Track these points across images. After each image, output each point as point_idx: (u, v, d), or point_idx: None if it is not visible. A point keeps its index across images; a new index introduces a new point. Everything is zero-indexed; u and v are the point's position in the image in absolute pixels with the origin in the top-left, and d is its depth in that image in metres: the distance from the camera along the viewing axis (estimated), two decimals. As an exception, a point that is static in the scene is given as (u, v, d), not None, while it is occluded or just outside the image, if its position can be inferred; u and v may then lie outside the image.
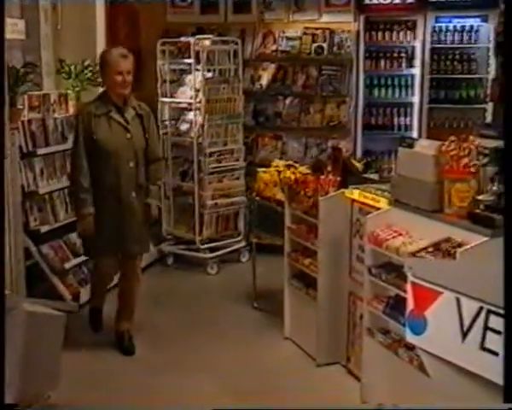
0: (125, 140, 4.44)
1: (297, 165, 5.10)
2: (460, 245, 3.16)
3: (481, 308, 1.90)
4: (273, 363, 4.54)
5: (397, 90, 7.32)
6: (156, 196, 4.84)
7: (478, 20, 7.07)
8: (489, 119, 6.66)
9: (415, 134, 7.15)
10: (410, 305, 2.12)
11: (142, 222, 4.58)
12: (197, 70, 6.32)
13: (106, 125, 4.42)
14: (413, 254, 3.31)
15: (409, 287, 2.12)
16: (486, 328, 1.90)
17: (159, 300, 5.68)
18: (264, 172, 5.24)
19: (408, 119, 7.36)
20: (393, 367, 3.61)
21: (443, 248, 3.23)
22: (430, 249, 3.30)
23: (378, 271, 3.68)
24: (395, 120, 7.38)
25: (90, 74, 6.02)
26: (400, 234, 3.59)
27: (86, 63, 6.05)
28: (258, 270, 5.55)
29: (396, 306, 3.52)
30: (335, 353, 4.42)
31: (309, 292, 4.57)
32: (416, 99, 7.28)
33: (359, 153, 7.14)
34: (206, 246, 6.47)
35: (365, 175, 4.83)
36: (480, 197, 3.28)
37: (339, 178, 4.48)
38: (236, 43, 6.65)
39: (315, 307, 4.45)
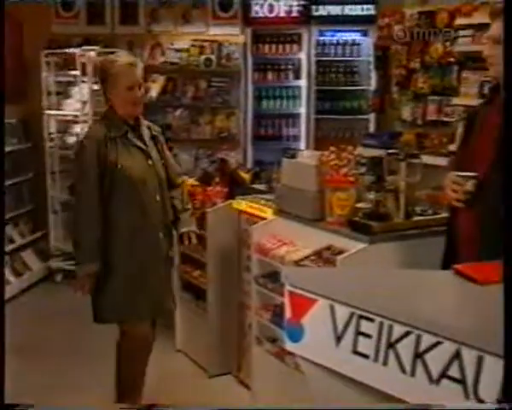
0: (147, 168, 3.53)
1: (185, 177, 5.09)
2: (340, 252, 3.26)
3: (353, 314, 1.97)
4: (164, 376, 4.50)
5: (284, 102, 7.45)
6: (190, 221, 3.86)
7: (359, 34, 7.33)
8: (372, 129, 6.91)
9: (303, 144, 7.30)
10: (288, 313, 2.16)
11: (169, 270, 3.81)
12: (84, 82, 6.22)
13: (124, 150, 3.47)
14: (296, 263, 3.39)
15: (286, 296, 2.16)
16: (358, 333, 1.96)
17: (46, 318, 5.51)
18: (153, 184, 5.19)
19: (296, 129, 7.50)
20: (281, 374, 3.67)
21: (324, 256, 3.33)
22: (313, 258, 3.39)
23: (264, 280, 3.75)
24: (284, 130, 7.50)
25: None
26: (285, 243, 3.66)
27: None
28: (150, 283, 5.49)
29: (282, 314, 3.55)
30: (226, 363, 4.45)
31: (199, 304, 4.58)
32: (303, 110, 7.44)
33: (250, 164, 7.22)
34: (96, 261, 6.32)
35: (253, 186, 4.90)
36: (358, 205, 3.41)
37: (226, 190, 4.53)
38: (124, 55, 6.58)
39: (205, 319, 4.47)
